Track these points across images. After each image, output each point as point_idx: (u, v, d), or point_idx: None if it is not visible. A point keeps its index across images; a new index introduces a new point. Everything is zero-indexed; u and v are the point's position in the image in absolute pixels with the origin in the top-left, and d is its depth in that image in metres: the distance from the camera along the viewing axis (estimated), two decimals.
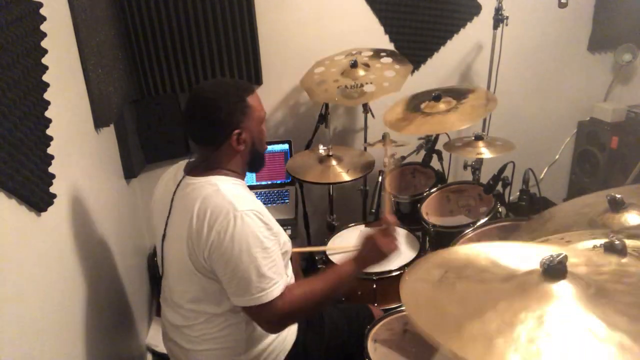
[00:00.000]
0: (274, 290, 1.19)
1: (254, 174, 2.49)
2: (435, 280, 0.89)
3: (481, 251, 0.96)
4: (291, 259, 1.48)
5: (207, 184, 1.25)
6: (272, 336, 1.36)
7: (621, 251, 0.93)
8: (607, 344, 0.67)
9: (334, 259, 1.84)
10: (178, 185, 1.31)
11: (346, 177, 2.04)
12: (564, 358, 0.66)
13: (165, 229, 1.33)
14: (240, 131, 1.27)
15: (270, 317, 1.22)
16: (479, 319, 0.74)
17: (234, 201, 1.19)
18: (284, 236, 1.34)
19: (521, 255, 0.91)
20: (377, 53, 2.27)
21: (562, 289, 0.76)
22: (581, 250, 1.00)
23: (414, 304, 0.87)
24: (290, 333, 1.42)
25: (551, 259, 0.78)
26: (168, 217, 1.31)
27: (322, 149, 2.17)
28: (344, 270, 1.33)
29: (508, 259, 0.91)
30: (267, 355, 1.36)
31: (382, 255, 1.33)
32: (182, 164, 1.39)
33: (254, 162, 1.38)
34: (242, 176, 1.37)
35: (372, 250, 1.33)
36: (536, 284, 0.78)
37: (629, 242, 0.97)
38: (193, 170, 1.31)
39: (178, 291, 1.34)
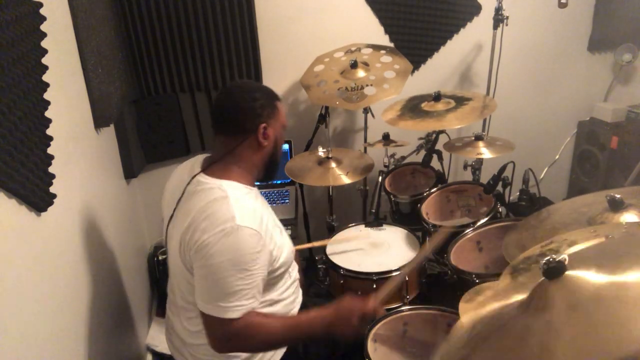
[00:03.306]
0: (235, 311, 1.17)
1: None
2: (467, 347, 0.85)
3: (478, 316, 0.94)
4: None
5: (218, 189, 1.24)
6: None
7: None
8: None
9: (334, 259, 1.84)
10: (192, 179, 1.31)
11: (345, 179, 2.04)
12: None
13: (169, 222, 1.35)
14: (267, 126, 1.30)
15: (219, 333, 1.20)
16: (518, 352, 0.72)
17: (236, 214, 1.18)
18: (285, 250, 1.33)
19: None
20: (377, 49, 2.27)
21: (572, 275, 0.75)
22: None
23: None
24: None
25: (550, 260, 0.78)
26: (176, 206, 1.32)
27: (321, 151, 2.17)
28: (310, 325, 1.28)
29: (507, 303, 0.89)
30: (264, 352, 1.36)
31: (350, 331, 1.26)
32: (200, 157, 1.40)
33: (270, 166, 1.38)
34: (253, 180, 1.37)
35: (345, 321, 1.26)
36: (547, 289, 0.77)
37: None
38: (209, 167, 1.32)
39: (177, 285, 1.35)
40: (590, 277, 0.74)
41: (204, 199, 1.23)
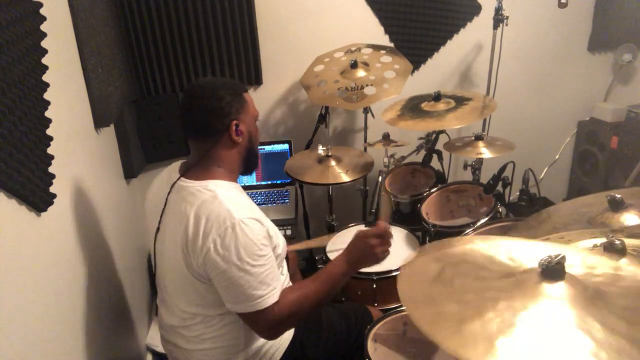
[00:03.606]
0: (270, 297, 1.19)
1: (253, 174, 2.49)
2: (433, 277, 0.89)
3: (478, 247, 0.96)
4: (287, 258, 1.48)
5: (204, 190, 1.23)
6: None
7: (621, 251, 0.93)
8: (606, 348, 0.67)
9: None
10: (172, 186, 1.29)
11: (345, 177, 2.04)
12: None
13: (157, 232, 1.33)
14: (238, 122, 1.28)
15: (267, 323, 1.22)
16: (479, 319, 0.74)
17: (231, 209, 1.18)
18: (280, 238, 1.33)
19: (518, 252, 0.91)
20: (377, 49, 2.27)
21: (561, 290, 0.76)
22: (579, 250, 1.00)
23: (412, 301, 0.86)
24: (286, 333, 1.42)
25: (550, 259, 0.77)
26: (160, 218, 1.31)
27: (321, 150, 2.17)
28: (336, 272, 1.32)
29: (505, 255, 0.91)
30: (264, 353, 1.36)
31: (374, 257, 1.32)
32: (175, 165, 1.38)
33: (249, 160, 1.37)
34: (236, 177, 1.36)
35: (364, 252, 1.32)
36: (534, 284, 0.78)
37: (628, 242, 0.97)
38: (188, 172, 1.30)
39: (174, 293, 1.33)
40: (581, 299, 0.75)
41: (194, 203, 1.21)
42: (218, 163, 1.30)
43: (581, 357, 0.66)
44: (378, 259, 1.33)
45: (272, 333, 1.28)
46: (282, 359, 1.40)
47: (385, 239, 1.33)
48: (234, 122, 1.27)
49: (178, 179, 1.29)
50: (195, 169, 1.29)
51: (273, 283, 1.20)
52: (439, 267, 0.91)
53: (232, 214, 1.17)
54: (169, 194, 1.29)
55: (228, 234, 1.15)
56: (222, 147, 1.29)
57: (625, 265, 0.86)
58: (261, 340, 1.35)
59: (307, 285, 1.30)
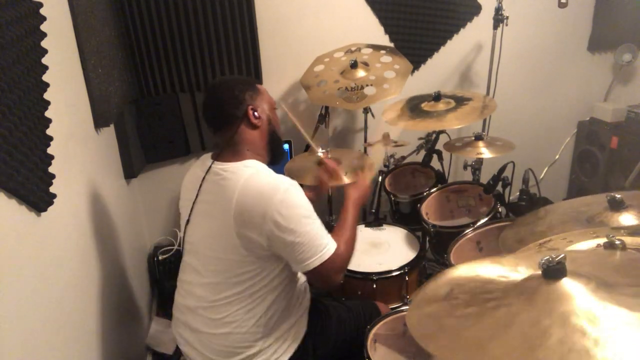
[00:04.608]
0: (332, 243, 1.32)
1: None
2: (440, 310, 0.86)
3: (465, 275, 0.95)
4: None
5: (244, 167, 1.32)
6: (284, 327, 1.38)
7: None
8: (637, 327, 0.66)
9: None
10: (208, 171, 1.36)
11: (345, 180, 2.04)
12: (605, 349, 0.65)
13: (191, 212, 1.38)
14: (254, 108, 1.38)
15: (338, 265, 1.32)
16: (501, 338, 0.72)
17: (276, 178, 1.30)
18: None
19: (506, 269, 0.91)
20: (377, 49, 2.27)
21: (569, 285, 0.76)
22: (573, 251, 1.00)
23: (425, 332, 0.83)
24: (300, 327, 1.44)
25: (550, 259, 0.78)
26: (195, 200, 1.37)
27: (320, 152, 2.17)
28: (354, 210, 1.50)
29: (498, 274, 0.90)
30: (280, 344, 1.38)
31: (363, 190, 1.58)
32: (205, 156, 1.46)
33: (274, 145, 1.46)
34: (264, 162, 1.43)
35: (364, 192, 1.57)
36: (541, 287, 0.77)
37: (628, 240, 0.97)
38: (220, 157, 1.38)
39: (209, 270, 1.35)
40: (587, 290, 0.75)
41: (238, 179, 1.29)
42: (247, 146, 1.38)
43: (624, 341, 0.65)
44: (364, 190, 1.59)
45: (341, 274, 1.38)
46: (295, 354, 1.40)
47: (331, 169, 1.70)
48: (250, 107, 1.37)
49: (212, 163, 1.37)
50: (226, 154, 1.38)
51: (326, 233, 1.32)
52: (445, 294, 0.90)
53: (280, 182, 1.28)
54: (203, 177, 1.37)
55: (286, 199, 1.25)
56: (245, 131, 1.38)
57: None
58: (280, 331, 1.38)
59: (343, 228, 1.43)
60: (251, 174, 1.30)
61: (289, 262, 1.32)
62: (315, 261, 1.28)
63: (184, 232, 1.44)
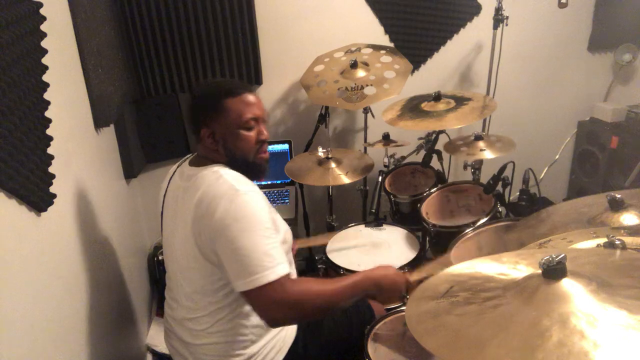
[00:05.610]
0: (278, 268, 1.13)
1: None
2: (439, 308, 0.86)
3: (465, 272, 0.95)
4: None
5: (209, 171, 1.28)
6: (273, 332, 1.35)
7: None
8: (637, 330, 0.66)
9: (334, 259, 1.84)
10: (175, 171, 1.38)
11: (345, 179, 2.04)
12: (602, 350, 0.64)
13: (162, 218, 1.38)
14: (211, 131, 1.30)
15: (278, 297, 1.13)
16: (500, 337, 0.71)
17: (234, 183, 1.21)
18: (283, 225, 1.35)
19: (506, 266, 0.91)
20: (377, 49, 2.27)
21: (569, 285, 0.76)
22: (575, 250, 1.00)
23: (424, 329, 0.81)
24: (290, 330, 1.42)
25: (550, 259, 0.77)
26: (163, 205, 1.38)
27: (321, 152, 2.17)
28: (361, 285, 1.27)
29: (498, 272, 0.90)
30: (268, 352, 1.36)
31: (394, 297, 1.38)
32: (186, 157, 1.45)
33: (240, 167, 1.32)
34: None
35: (394, 287, 1.33)
36: (541, 287, 0.77)
37: (629, 240, 0.97)
38: (194, 160, 1.37)
39: (184, 281, 1.33)
40: (587, 291, 0.75)
41: (200, 184, 1.25)
42: (212, 156, 1.35)
43: (621, 343, 0.65)
44: (392, 300, 1.48)
45: (273, 314, 1.16)
46: (286, 356, 1.39)
47: (407, 292, 1.38)
48: (204, 129, 1.31)
49: (181, 164, 1.38)
50: (198, 158, 1.37)
51: (279, 258, 1.15)
52: (444, 291, 0.89)
53: (236, 187, 1.20)
54: (170, 178, 1.38)
55: (234, 204, 1.16)
56: (207, 149, 1.34)
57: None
58: (266, 339, 1.34)
59: (325, 282, 1.23)
60: (211, 180, 1.24)
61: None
62: (250, 283, 1.12)
63: (161, 229, 1.41)
